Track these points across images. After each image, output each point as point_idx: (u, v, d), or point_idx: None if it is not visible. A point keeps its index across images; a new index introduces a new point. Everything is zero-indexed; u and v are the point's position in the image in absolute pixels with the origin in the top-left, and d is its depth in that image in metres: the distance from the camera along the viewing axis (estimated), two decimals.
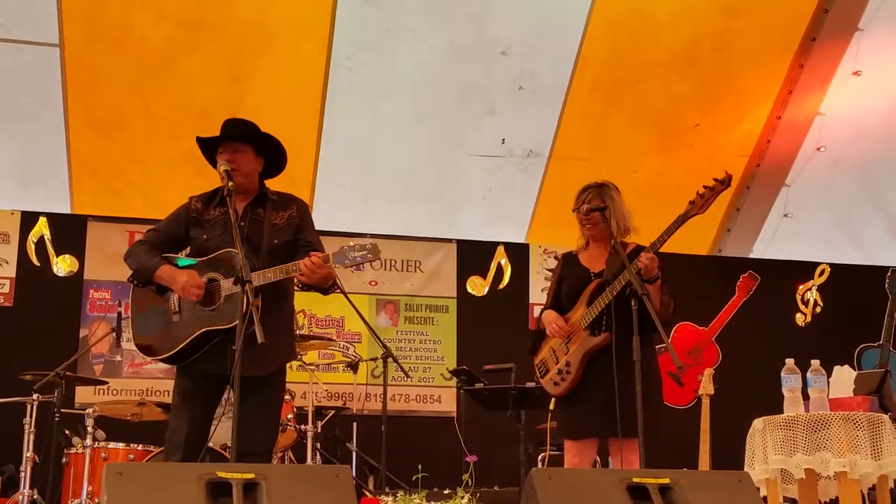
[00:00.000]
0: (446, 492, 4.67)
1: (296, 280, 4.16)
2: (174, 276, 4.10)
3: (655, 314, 4.09)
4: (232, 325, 3.88)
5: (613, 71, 7.69)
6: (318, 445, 6.57)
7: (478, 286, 8.46)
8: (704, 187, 4.43)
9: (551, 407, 4.86)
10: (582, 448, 4.55)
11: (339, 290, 4.51)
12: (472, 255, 8.47)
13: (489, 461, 5.50)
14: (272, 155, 4.36)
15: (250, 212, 4.23)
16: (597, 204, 4.53)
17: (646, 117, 7.96)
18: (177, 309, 4.12)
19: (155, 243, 4.25)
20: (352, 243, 4.01)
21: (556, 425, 4.96)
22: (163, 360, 4.23)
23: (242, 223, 4.14)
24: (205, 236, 4.19)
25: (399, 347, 7.99)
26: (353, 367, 7.16)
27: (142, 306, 4.23)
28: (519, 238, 8.54)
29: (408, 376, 6.88)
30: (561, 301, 4.66)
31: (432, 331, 8.29)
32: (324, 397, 7.46)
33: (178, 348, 4.07)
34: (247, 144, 4.25)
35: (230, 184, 4.07)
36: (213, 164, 4.27)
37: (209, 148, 4.29)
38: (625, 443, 4.31)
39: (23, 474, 5.85)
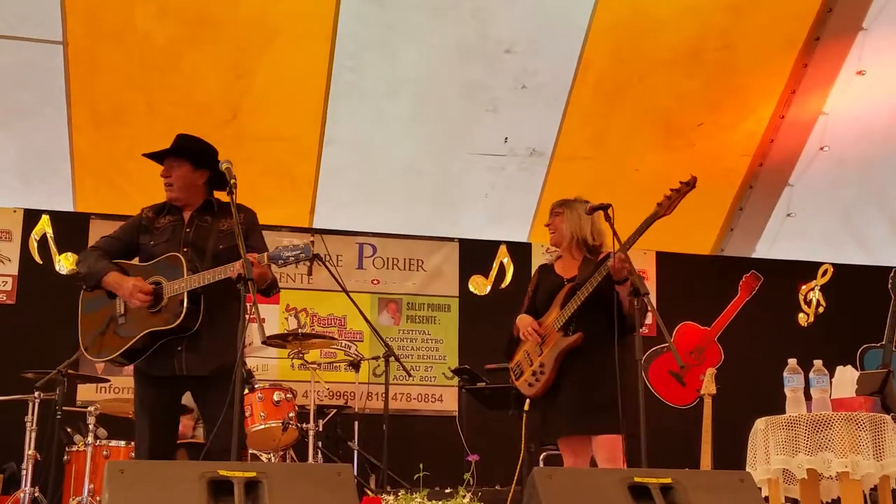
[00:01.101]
0: (447, 491, 4.67)
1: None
2: (120, 281, 4.23)
3: (657, 314, 4.11)
4: (173, 325, 4.10)
5: (616, 69, 7.68)
6: (320, 444, 6.57)
7: (480, 285, 8.46)
8: (671, 190, 4.49)
9: (525, 408, 4.91)
10: (575, 447, 4.60)
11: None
12: (475, 254, 8.46)
13: (490, 460, 5.49)
14: (214, 166, 4.38)
15: (197, 219, 4.39)
16: (556, 212, 4.78)
17: (649, 116, 7.96)
18: (122, 311, 4.25)
19: (107, 249, 4.39)
20: (286, 242, 4.10)
21: (531, 427, 5.02)
22: (110, 362, 4.36)
23: (188, 229, 4.33)
24: (152, 242, 4.35)
25: (401, 346, 7.99)
26: (354, 365, 7.16)
27: (90, 310, 4.36)
28: (521, 237, 8.53)
29: (409, 375, 6.89)
30: (536, 309, 4.77)
31: (434, 330, 8.29)
32: (325, 396, 7.46)
33: (123, 349, 4.19)
34: (183, 159, 4.39)
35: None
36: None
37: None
38: (608, 440, 4.38)
39: (24, 472, 5.86)
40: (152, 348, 4.19)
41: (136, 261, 4.41)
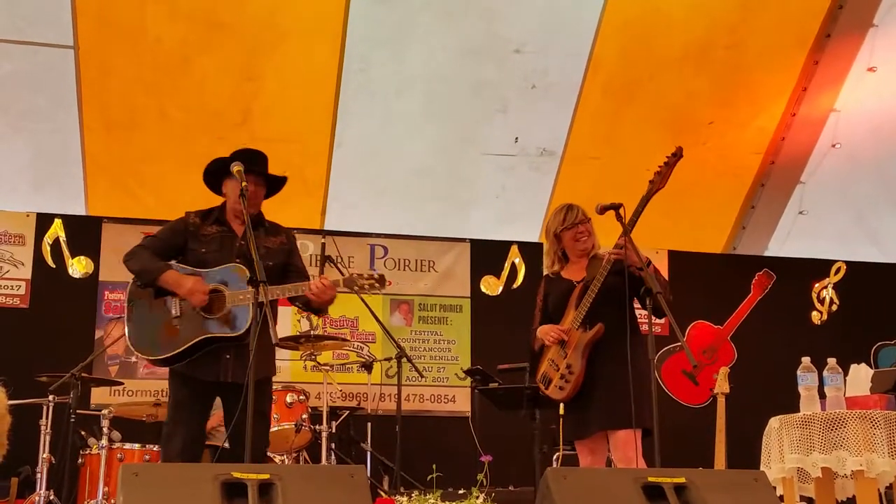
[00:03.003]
0: (461, 492, 4.67)
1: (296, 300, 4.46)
2: (180, 280, 4.32)
3: (669, 310, 4.10)
4: (236, 334, 4.22)
5: (626, 68, 7.67)
6: (333, 445, 6.57)
7: (492, 286, 8.45)
8: (659, 165, 4.58)
9: (561, 412, 4.90)
10: (593, 446, 4.60)
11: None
12: (486, 255, 8.46)
13: (504, 461, 5.49)
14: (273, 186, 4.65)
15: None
16: (583, 217, 4.74)
17: (659, 115, 7.94)
18: (178, 313, 4.31)
19: (155, 249, 4.46)
20: (360, 272, 4.44)
21: (565, 429, 5.00)
22: (157, 361, 4.39)
23: (242, 242, 4.41)
24: (203, 250, 4.43)
25: (413, 347, 7.98)
26: (367, 367, 7.16)
27: (139, 307, 4.40)
28: (533, 237, 8.52)
29: (422, 376, 6.89)
30: (549, 317, 4.76)
31: (446, 330, 8.28)
32: (338, 397, 7.47)
33: (179, 350, 4.25)
34: (262, 178, 4.55)
35: (244, 207, 4.30)
36: (215, 178, 4.50)
37: (216, 167, 4.55)
38: (626, 436, 4.38)
39: (39, 475, 5.89)
40: (196, 354, 4.26)
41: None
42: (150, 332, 4.34)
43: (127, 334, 4.38)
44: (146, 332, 4.35)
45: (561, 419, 4.78)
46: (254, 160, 4.52)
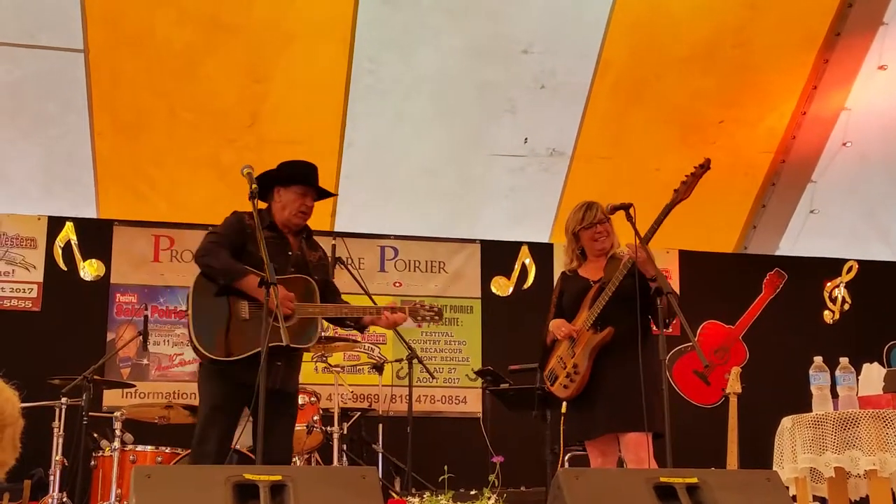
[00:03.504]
0: (473, 492, 4.67)
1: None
2: None
3: (681, 313, 4.10)
4: (307, 345, 4.44)
5: (635, 68, 7.65)
6: (345, 447, 6.58)
7: (502, 286, 8.45)
8: (686, 175, 4.54)
9: (563, 410, 4.91)
10: (604, 448, 4.61)
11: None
12: (496, 256, 8.45)
13: (515, 461, 5.49)
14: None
15: (304, 244, 4.64)
16: (602, 217, 4.71)
17: (668, 115, 7.92)
18: (247, 316, 4.32)
19: (226, 248, 4.44)
20: (421, 301, 4.76)
21: (568, 428, 5.01)
22: (216, 361, 4.31)
23: (298, 252, 4.56)
24: (260, 255, 4.35)
25: (424, 349, 7.97)
26: (378, 368, 7.17)
27: (203, 307, 4.34)
28: (543, 238, 8.51)
29: (433, 377, 6.88)
30: (563, 313, 4.76)
31: (457, 331, 8.28)
32: (349, 399, 7.47)
33: (249, 353, 4.25)
34: (314, 191, 4.65)
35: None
36: (257, 186, 4.37)
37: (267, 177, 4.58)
38: (637, 438, 4.38)
39: (52, 478, 5.91)
40: (249, 359, 4.23)
41: None
42: (212, 330, 4.29)
43: (192, 328, 4.30)
44: (208, 330, 4.30)
45: (562, 417, 4.81)
46: (311, 175, 4.61)
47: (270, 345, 4.08)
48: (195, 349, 4.36)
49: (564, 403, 4.83)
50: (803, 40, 7.62)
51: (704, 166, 4.55)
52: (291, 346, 4.19)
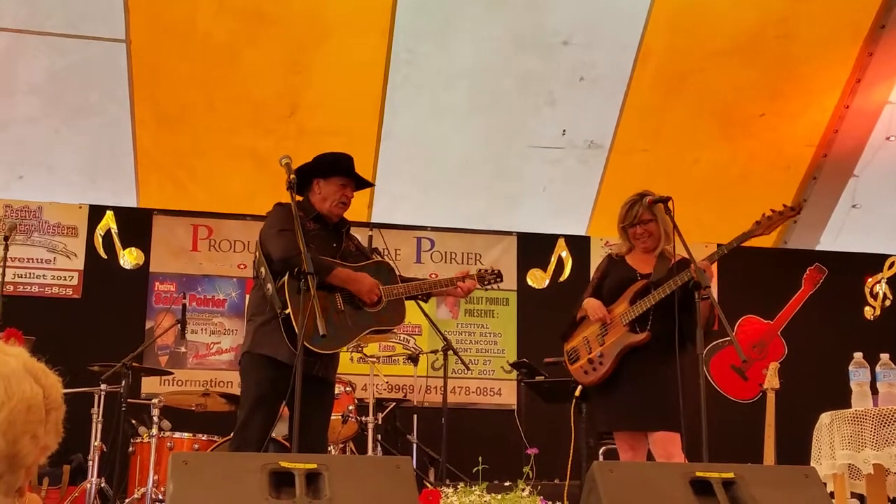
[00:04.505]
0: (507, 484, 4.67)
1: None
2: (356, 277, 4.43)
3: (716, 303, 4.07)
4: (396, 326, 4.62)
5: (675, 60, 7.59)
6: (379, 437, 6.60)
7: (538, 279, 8.42)
8: (773, 211, 4.47)
9: (577, 394, 4.88)
10: (633, 442, 4.59)
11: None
12: (533, 248, 8.43)
13: (549, 454, 5.47)
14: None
15: (345, 235, 4.67)
16: (645, 215, 4.65)
17: (708, 107, 7.85)
18: (342, 307, 4.38)
19: None
20: (484, 268, 5.04)
21: (593, 417, 4.97)
22: (314, 352, 4.23)
23: (345, 244, 4.62)
24: (312, 246, 4.34)
25: (459, 340, 7.98)
26: (413, 359, 7.18)
27: (299, 302, 4.18)
28: (580, 231, 8.48)
29: (468, 369, 6.89)
30: (601, 296, 4.70)
31: (492, 323, 8.28)
32: (384, 389, 7.49)
33: (352, 342, 4.47)
34: (353, 181, 4.65)
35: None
36: (296, 177, 4.34)
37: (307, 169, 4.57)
38: (667, 436, 4.36)
39: (90, 463, 5.98)
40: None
41: None
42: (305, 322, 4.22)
43: (297, 327, 4.17)
44: (311, 328, 4.18)
45: (575, 400, 4.80)
46: (351, 166, 4.61)
47: (376, 328, 4.37)
48: (300, 339, 4.09)
49: (580, 388, 4.80)
50: (847, 33, 7.51)
51: (796, 210, 4.55)
52: (383, 328, 4.41)
